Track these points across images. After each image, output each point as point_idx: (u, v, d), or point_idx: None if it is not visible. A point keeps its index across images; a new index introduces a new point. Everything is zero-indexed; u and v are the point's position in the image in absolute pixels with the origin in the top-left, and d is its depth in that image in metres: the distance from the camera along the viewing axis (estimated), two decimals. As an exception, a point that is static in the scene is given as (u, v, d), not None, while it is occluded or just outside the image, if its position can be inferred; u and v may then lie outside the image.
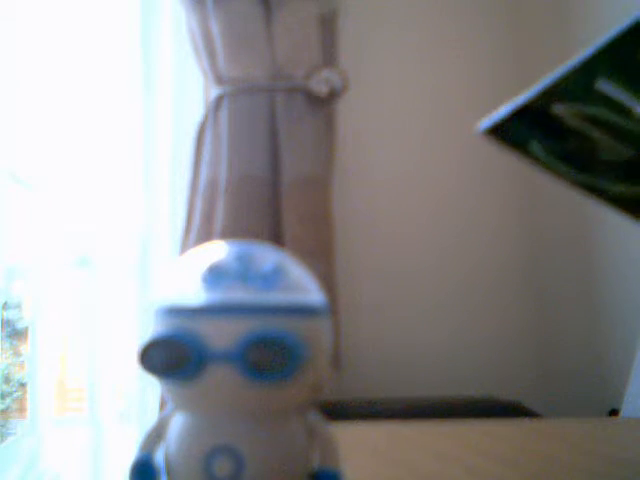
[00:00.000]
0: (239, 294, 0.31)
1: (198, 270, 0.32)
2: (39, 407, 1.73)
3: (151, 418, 1.54)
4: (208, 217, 1.55)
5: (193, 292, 0.31)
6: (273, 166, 1.58)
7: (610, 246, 1.59)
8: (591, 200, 0.43)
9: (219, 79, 1.61)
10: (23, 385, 1.90)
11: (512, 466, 0.57)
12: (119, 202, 1.71)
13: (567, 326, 1.71)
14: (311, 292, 0.32)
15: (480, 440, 0.69)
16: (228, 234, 1.51)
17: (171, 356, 0.30)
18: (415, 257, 1.73)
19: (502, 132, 0.41)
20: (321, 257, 1.55)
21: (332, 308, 0.33)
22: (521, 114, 0.40)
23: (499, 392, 1.54)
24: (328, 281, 1.52)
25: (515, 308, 1.75)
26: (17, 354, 1.95)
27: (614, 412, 1.42)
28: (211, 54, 1.61)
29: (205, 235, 1.53)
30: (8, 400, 1.87)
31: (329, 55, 1.66)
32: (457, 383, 1.66)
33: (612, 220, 1.58)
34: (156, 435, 0.33)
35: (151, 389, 1.56)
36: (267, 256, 0.32)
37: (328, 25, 1.67)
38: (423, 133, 1.78)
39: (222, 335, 0.30)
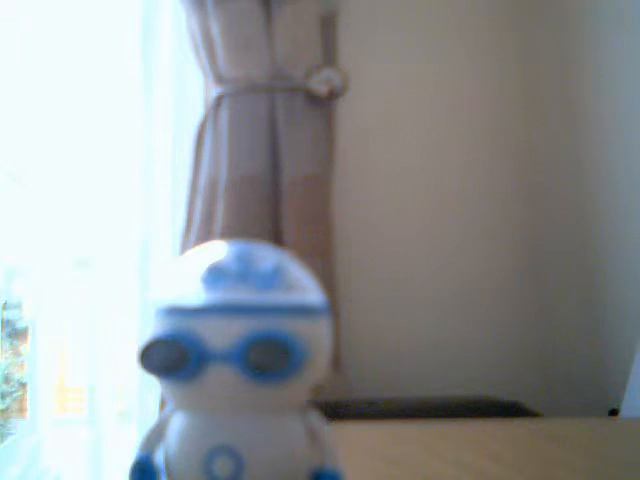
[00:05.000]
0: (239, 294, 0.31)
1: (198, 270, 0.32)
2: (39, 407, 1.73)
3: (151, 418, 1.54)
4: (208, 217, 1.55)
5: (193, 292, 0.31)
6: (273, 166, 1.58)
7: (610, 248, 1.59)
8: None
9: (219, 79, 1.61)
10: (23, 385, 1.90)
11: (512, 466, 0.57)
12: (119, 202, 1.71)
13: (567, 326, 1.71)
14: (311, 292, 0.32)
15: (480, 440, 0.69)
16: (228, 234, 1.50)
17: (171, 356, 0.30)
18: (416, 257, 1.73)
19: None
20: (321, 257, 1.55)
21: (332, 308, 0.33)
22: None
23: (499, 392, 1.54)
24: (328, 281, 1.52)
25: (516, 308, 1.74)
26: (17, 354, 1.95)
27: (614, 412, 1.42)
28: (211, 54, 1.61)
29: (205, 235, 1.53)
30: (8, 400, 1.87)
31: (329, 55, 1.66)
32: (457, 383, 1.66)
33: (612, 225, 1.58)
34: (156, 435, 0.33)
35: (151, 389, 1.56)
36: (267, 256, 0.32)
37: (328, 25, 1.67)
38: (424, 133, 1.78)
39: (222, 335, 0.30)
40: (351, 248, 1.68)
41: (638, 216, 1.49)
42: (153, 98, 1.70)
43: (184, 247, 1.57)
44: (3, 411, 1.81)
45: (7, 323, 1.88)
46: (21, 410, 1.89)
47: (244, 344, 0.30)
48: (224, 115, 1.59)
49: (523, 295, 1.75)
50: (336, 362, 1.50)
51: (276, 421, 0.31)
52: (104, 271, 1.69)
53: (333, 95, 1.61)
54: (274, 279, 0.31)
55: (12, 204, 1.73)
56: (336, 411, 1.29)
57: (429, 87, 1.79)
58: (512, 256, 1.77)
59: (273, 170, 1.58)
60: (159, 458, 0.33)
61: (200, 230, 1.54)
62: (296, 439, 0.32)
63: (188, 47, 1.65)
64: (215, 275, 0.31)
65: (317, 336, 0.32)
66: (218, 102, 1.61)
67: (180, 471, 0.31)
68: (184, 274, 0.32)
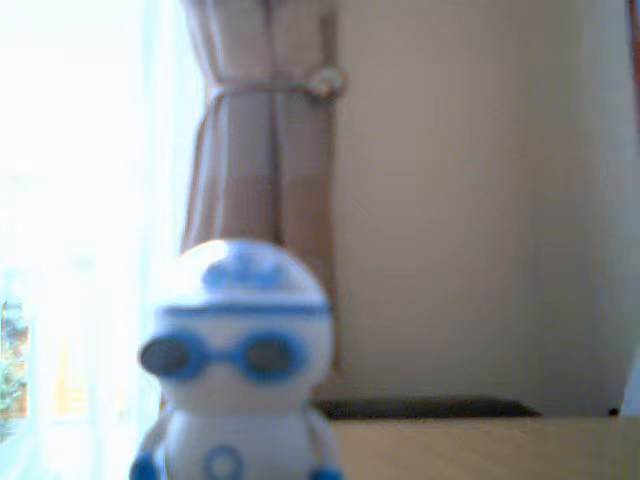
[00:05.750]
0: (239, 294, 0.31)
1: (198, 270, 0.32)
2: (39, 407, 1.73)
3: (151, 418, 1.54)
4: (208, 217, 1.55)
5: (193, 292, 0.31)
6: (273, 165, 1.58)
7: (610, 248, 1.59)
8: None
9: (219, 79, 1.61)
10: (23, 385, 1.90)
11: (512, 466, 0.57)
12: (119, 202, 1.71)
13: (567, 326, 1.71)
14: (311, 292, 0.32)
15: (480, 440, 0.69)
16: (228, 234, 1.50)
17: (171, 356, 0.30)
18: (415, 257, 1.73)
19: None
20: (321, 257, 1.55)
21: (332, 308, 0.33)
22: None
23: (499, 392, 1.54)
24: (328, 281, 1.52)
25: (515, 308, 1.74)
26: (17, 354, 1.95)
27: (614, 412, 1.42)
28: (211, 54, 1.61)
29: (205, 235, 1.53)
30: (8, 400, 1.87)
31: (329, 55, 1.66)
32: (457, 383, 1.66)
33: (612, 225, 1.58)
34: (156, 435, 0.33)
35: (151, 389, 1.56)
36: (267, 256, 0.32)
37: (328, 25, 1.67)
38: (423, 133, 1.78)
39: (222, 335, 0.30)
40: (351, 248, 1.68)
41: (639, 216, 1.49)
42: (153, 98, 1.70)
43: (184, 247, 1.57)
44: (3, 411, 1.81)
45: (7, 323, 1.88)
46: (21, 410, 1.89)
47: (244, 344, 0.30)
48: (224, 115, 1.59)
49: (523, 295, 1.75)
50: (336, 362, 1.50)
51: (276, 421, 0.31)
52: (104, 271, 1.69)
53: (333, 95, 1.61)
54: (274, 279, 0.31)
55: (13, 204, 1.73)
56: (336, 411, 1.29)
57: (429, 87, 1.79)
58: (512, 257, 1.77)
59: (273, 170, 1.58)
60: (159, 458, 0.33)
61: (200, 230, 1.54)
62: (296, 439, 0.32)
63: (188, 47, 1.65)
64: (215, 275, 0.31)
65: (317, 336, 0.32)
66: (218, 102, 1.61)
67: (180, 471, 0.31)
68: (184, 274, 0.32)
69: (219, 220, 1.53)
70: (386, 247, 1.73)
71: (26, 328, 1.87)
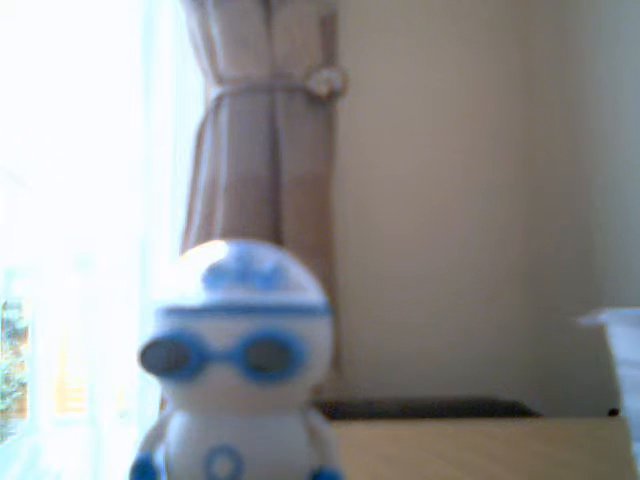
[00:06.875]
0: (239, 294, 0.31)
1: (198, 270, 0.32)
2: (39, 407, 1.73)
3: (151, 418, 1.54)
4: (208, 217, 1.55)
5: (193, 292, 0.31)
6: (273, 165, 1.58)
7: (611, 248, 1.60)
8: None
9: (219, 79, 1.61)
10: (23, 385, 1.90)
11: (512, 466, 0.57)
12: (119, 202, 1.71)
13: (567, 326, 1.71)
14: (311, 292, 0.32)
15: (480, 440, 0.69)
16: (228, 234, 1.50)
17: (171, 356, 0.30)
18: (416, 257, 1.73)
19: None
20: (321, 257, 1.55)
21: (332, 308, 0.33)
22: None
23: (499, 392, 1.54)
24: (328, 281, 1.52)
25: (516, 308, 1.74)
26: (17, 354, 1.95)
27: (614, 412, 1.42)
28: (211, 54, 1.61)
29: (205, 235, 1.53)
30: (8, 400, 1.87)
31: (329, 55, 1.66)
32: (457, 383, 1.66)
33: (613, 226, 1.58)
34: (156, 435, 0.33)
35: (151, 389, 1.56)
36: (267, 256, 0.32)
37: (328, 25, 1.67)
38: (424, 133, 1.78)
39: (222, 335, 0.30)
40: (351, 248, 1.68)
41: (639, 217, 1.49)
42: (153, 98, 1.70)
43: (184, 247, 1.57)
44: (3, 411, 1.81)
45: (7, 323, 1.88)
46: (21, 410, 1.89)
47: (244, 344, 0.30)
48: (224, 115, 1.59)
49: (523, 295, 1.75)
50: (336, 362, 1.50)
51: (276, 421, 0.31)
52: (104, 271, 1.69)
53: (333, 95, 1.61)
54: (274, 279, 0.31)
55: (12, 204, 1.73)
56: (336, 411, 1.29)
57: (430, 87, 1.79)
58: (512, 256, 1.77)
59: (273, 170, 1.58)
60: (159, 458, 0.33)
61: (200, 230, 1.54)
62: (296, 439, 0.32)
63: (188, 47, 1.65)
64: (215, 275, 0.31)
65: (317, 336, 0.32)
66: (218, 102, 1.61)
67: (180, 471, 0.31)
68: (184, 274, 0.32)
69: (219, 220, 1.53)
70: (386, 247, 1.73)
71: (26, 328, 1.87)
